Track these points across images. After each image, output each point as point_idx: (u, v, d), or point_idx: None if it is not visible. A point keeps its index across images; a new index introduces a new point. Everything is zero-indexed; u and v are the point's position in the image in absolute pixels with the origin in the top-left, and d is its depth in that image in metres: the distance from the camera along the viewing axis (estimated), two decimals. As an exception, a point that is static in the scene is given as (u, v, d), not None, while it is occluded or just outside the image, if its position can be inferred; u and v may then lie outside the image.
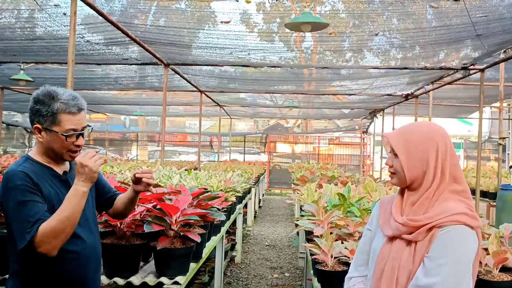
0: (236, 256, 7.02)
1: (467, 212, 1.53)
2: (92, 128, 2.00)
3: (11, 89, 10.12)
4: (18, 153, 15.25)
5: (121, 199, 2.21)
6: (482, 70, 6.29)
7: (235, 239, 6.97)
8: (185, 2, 4.91)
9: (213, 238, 3.76)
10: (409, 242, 1.57)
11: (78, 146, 1.92)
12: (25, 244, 1.73)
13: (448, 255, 1.48)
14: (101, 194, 2.17)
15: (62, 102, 1.87)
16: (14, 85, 9.17)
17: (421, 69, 6.74)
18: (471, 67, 6.40)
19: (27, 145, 18.30)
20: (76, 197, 1.81)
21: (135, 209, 2.69)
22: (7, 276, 2.24)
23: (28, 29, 5.50)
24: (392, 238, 1.61)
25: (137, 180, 2.11)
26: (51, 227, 1.75)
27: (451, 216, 1.52)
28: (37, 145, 1.95)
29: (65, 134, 1.87)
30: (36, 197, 1.80)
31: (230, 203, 4.50)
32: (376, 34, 5.34)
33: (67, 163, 2.02)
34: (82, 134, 1.92)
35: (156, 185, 3.76)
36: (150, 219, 2.66)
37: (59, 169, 1.96)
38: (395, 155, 1.63)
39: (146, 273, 2.74)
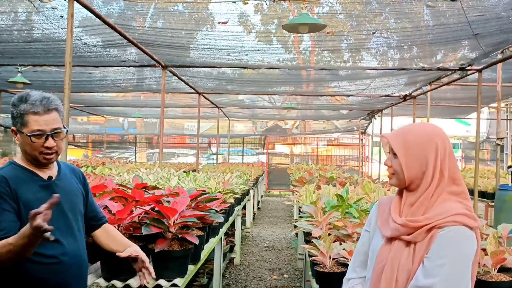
0: (235, 257, 7.01)
1: (466, 213, 1.53)
2: (67, 131, 1.96)
3: (9, 92, 10.10)
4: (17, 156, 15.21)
5: (111, 237, 2.18)
6: (479, 71, 6.30)
7: (234, 241, 6.96)
8: (182, 4, 4.91)
9: (211, 240, 3.76)
10: (408, 243, 1.56)
11: (49, 148, 1.88)
12: None
13: (448, 256, 1.48)
14: (90, 218, 2.14)
15: (29, 103, 1.85)
16: (12, 88, 9.16)
17: (419, 69, 6.75)
18: (469, 67, 6.41)
19: (25, 148, 18.24)
20: (19, 239, 1.71)
21: (132, 211, 2.69)
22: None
23: (25, 31, 5.49)
24: (391, 239, 1.61)
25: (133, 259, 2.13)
26: None
27: (451, 217, 1.52)
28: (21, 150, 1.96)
29: (29, 134, 1.84)
30: (6, 205, 1.78)
31: (228, 204, 4.49)
32: (373, 33, 5.34)
33: (55, 169, 1.99)
34: (51, 136, 1.88)
35: (154, 187, 3.76)
36: (148, 221, 2.65)
37: (44, 174, 1.93)
38: (394, 155, 1.63)
39: (145, 276, 2.73)
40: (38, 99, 1.86)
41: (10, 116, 1.92)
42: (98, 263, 2.72)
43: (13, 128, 1.90)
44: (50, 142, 1.88)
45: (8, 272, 1.81)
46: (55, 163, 2.00)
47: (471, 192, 6.65)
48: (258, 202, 12.89)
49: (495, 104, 9.55)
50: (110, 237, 2.18)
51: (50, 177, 1.94)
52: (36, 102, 1.86)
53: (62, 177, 2.00)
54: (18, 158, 1.95)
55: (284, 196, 16.59)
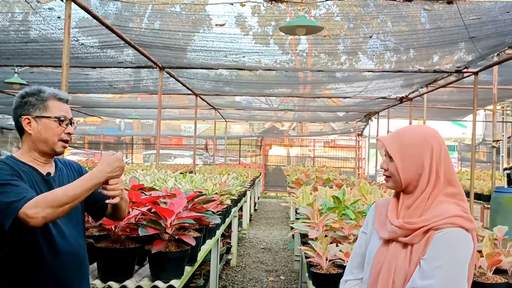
0: (231, 259, 7.01)
1: (463, 215, 1.54)
2: (76, 122, 2.02)
3: (5, 93, 10.06)
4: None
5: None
6: (475, 73, 6.33)
7: (230, 242, 6.95)
8: (180, 5, 4.91)
9: (208, 241, 3.76)
10: (405, 245, 1.57)
11: (69, 134, 1.94)
12: (12, 219, 1.66)
13: (444, 258, 1.49)
14: (94, 202, 2.08)
15: (50, 92, 1.94)
16: (8, 88, 9.13)
17: (415, 72, 6.77)
18: (465, 70, 6.43)
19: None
20: (88, 180, 1.80)
21: (129, 212, 2.68)
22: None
23: (22, 32, 5.48)
24: (388, 241, 1.62)
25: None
26: (52, 195, 1.73)
27: (447, 219, 1.52)
28: (23, 144, 1.93)
29: (58, 116, 1.90)
30: (17, 180, 1.77)
31: (225, 206, 4.50)
32: (370, 37, 5.36)
33: (53, 165, 1.99)
34: (71, 123, 1.95)
35: (151, 189, 3.75)
36: (145, 222, 2.65)
37: (43, 170, 1.93)
38: (390, 158, 1.64)
39: (141, 277, 2.73)
40: (59, 91, 1.97)
41: (18, 107, 1.90)
42: (95, 264, 2.71)
43: (28, 116, 1.88)
44: (71, 129, 1.95)
45: (6, 274, 1.80)
46: (51, 162, 1.99)
47: (467, 194, 6.66)
48: (255, 203, 12.89)
49: (491, 107, 9.59)
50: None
51: (48, 173, 1.94)
52: (57, 91, 1.96)
53: (59, 173, 2.00)
54: (18, 154, 1.94)
55: (281, 197, 16.59)
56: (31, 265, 1.82)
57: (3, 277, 1.81)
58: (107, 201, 1.92)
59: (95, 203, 2.07)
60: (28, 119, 1.89)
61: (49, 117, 1.89)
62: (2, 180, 1.74)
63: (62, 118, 1.91)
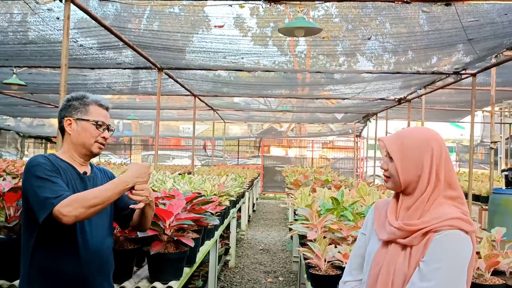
0: (230, 260, 7.01)
1: (462, 217, 1.54)
2: (114, 129, 2.16)
3: (3, 93, 10.06)
4: (11, 158, 15.14)
5: (136, 212, 2.21)
6: (473, 75, 6.34)
7: (229, 244, 6.95)
8: (178, 6, 4.91)
9: (206, 242, 3.76)
10: (404, 246, 1.57)
11: (105, 139, 2.07)
12: (47, 214, 1.77)
13: (444, 260, 1.49)
14: (121, 209, 2.17)
15: (93, 98, 2.08)
16: (7, 89, 9.13)
17: (414, 73, 6.78)
18: (463, 71, 6.45)
19: (19, 149, 18.19)
20: (117, 184, 1.90)
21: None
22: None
23: (20, 33, 5.48)
24: (387, 242, 1.61)
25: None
26: (84, 195, 1.83)
27: (447, 221, 1.52)
28: (64, 144, 2.07)
29: (96, 120, 2.03)
30: (55, 177, 1.88)
31: (223, 207, 4.49)
32: (369, 38, 5.37)
33: (89, 166, 2.11)
34: (108, 129, 2.09)
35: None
36: (143, 223, 2.65)
37: (80, 169, 2.05)
38: (391, 158, 1.65)
39: (140, 278, 2.73)
40: (102, 98, 2.12)
41: (63, 110, 2.04)
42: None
43: (70, 118, 2.03)
44: (107, 134, 2.07)
45: (36, 257, 1.89)
46: (88, 164, 2.12)
47: (465, 195, 6.68)
48: (253, 204, 12.88)
49: (489, 108, 9.61)
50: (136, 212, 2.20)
51: (85, 172, 2.06)
52: (99, 98, 2.10)
53: (94, 175, 2.12)
54: (59, 153, 2.06)
55: (279, 199, 16.59)
56: (54, 254, 1.91)
57: (34, 261, 1.90)
58: (131, 205, 2.02)
59: (122, 210, 2.17)
60: (70, 120, 2.04)
61: (88, 120, 2.03)
62: (43, 174, 1.85)
63: (100, 123, 2.05)
